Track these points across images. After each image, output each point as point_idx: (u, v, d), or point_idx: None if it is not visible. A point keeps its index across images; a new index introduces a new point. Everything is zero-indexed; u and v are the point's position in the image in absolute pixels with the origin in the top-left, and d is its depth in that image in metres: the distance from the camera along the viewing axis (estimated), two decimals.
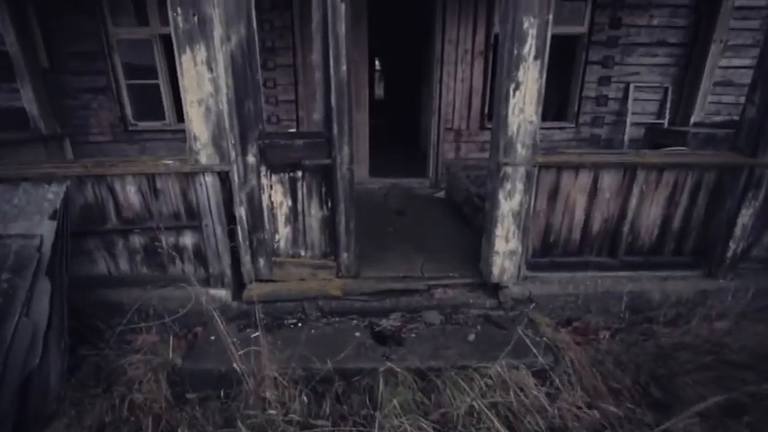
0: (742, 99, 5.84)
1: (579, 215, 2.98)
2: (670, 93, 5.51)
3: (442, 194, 5.32)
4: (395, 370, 2.25)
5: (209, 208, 2.77)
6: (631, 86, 5.49)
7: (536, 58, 2.48)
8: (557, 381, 2.28)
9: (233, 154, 2.70)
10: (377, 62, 13.79)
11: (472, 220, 4.18)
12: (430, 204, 5.01)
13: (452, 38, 5.21)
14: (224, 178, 2.74)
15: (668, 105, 5.55)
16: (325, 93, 2.67)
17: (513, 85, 2.54)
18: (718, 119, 5.44)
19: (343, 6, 2.51)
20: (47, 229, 2.56)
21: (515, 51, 2.47)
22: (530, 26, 2.42)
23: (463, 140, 5.61)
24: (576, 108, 5.60)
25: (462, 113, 5.51)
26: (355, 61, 5.45)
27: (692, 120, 5.47)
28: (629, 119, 5.57)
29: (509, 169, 2.71)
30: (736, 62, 5.39)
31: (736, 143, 2.92)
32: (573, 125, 5.66)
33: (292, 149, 2.78)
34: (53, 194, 2.67)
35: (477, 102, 5.47)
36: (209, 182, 2.71)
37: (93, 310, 2.88)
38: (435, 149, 5.64)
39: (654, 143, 5.02)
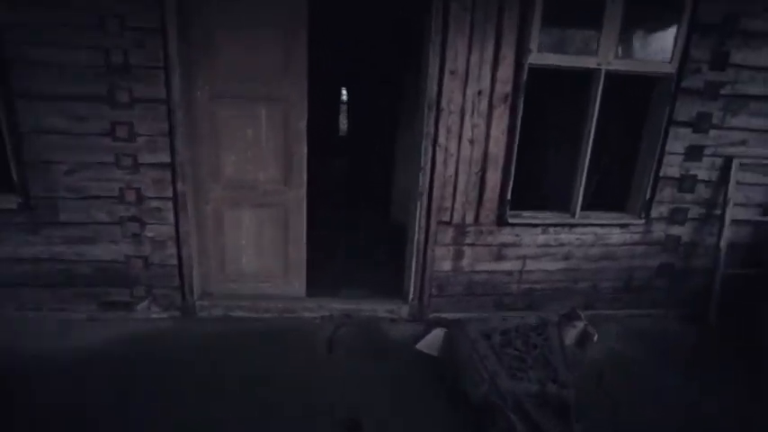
0: None
1: None
2: None
3: (433, 348, 2.91)
4: None
5: None
6: (734, 162, 3.41)
7: None
8: None
9: None
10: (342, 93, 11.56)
11: None
12: (410, 388, 2.59)
13: (458, 69, 2.97)
14: None
15: None
16: None
17: None
18: None
19: None
20: None
21: None
22: None
23: (468, 242, 3.29)
24: (647, 195, 3.44)
25: (469, 197, 3.21)
26: (286, 100, 3.13)
27: None
28: (729, 213, 3.48)
29: None
30: None
31: None
32: (641, 220, 3.49)
33: None
34: None
35: (494, 179, 3.19)
36: None
37: None
38: (421, 255, 3.28)
39: None
